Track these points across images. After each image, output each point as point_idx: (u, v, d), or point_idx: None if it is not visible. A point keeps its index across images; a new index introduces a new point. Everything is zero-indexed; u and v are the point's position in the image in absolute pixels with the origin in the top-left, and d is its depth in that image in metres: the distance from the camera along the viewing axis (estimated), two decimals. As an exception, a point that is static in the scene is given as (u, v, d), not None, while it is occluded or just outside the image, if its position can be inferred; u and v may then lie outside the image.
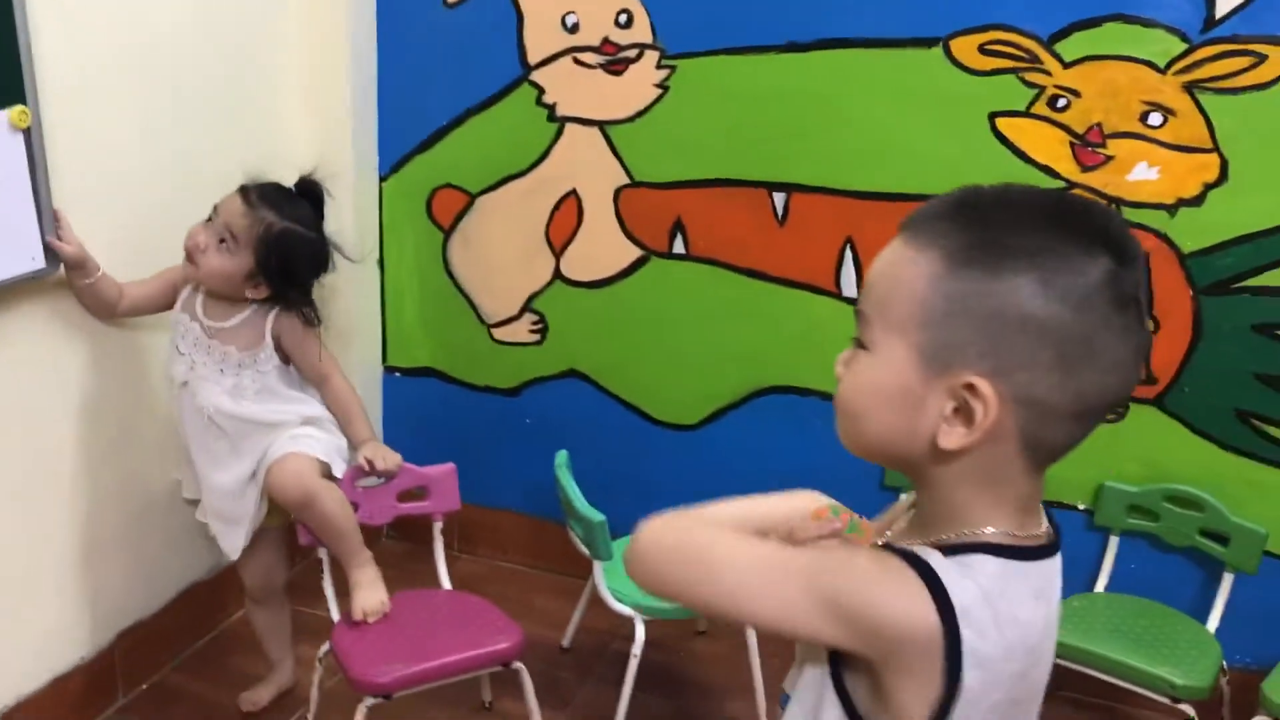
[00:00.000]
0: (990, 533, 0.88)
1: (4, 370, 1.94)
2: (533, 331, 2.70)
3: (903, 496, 1.04)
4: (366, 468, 2.10)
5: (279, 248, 1.97)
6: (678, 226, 2.51)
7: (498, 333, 2.73)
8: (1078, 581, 2.34)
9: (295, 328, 2.04)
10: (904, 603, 0.83)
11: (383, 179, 2.70)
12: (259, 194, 1.98)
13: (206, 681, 2.38)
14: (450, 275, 2.72)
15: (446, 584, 2.24)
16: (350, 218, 2.59)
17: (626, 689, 2.19)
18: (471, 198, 2.64)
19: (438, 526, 2.24)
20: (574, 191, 2.56)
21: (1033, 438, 0.86)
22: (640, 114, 2.45)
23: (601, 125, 2.49)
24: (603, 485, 2.33)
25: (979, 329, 0.83)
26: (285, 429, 2.05)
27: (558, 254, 2.61)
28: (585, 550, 2.21)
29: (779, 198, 2.40)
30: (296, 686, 2.31)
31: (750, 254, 2.46)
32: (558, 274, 2.63)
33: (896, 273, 0.88)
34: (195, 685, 2.37)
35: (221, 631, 2.53)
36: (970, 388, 0.84)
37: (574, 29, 2.44)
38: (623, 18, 2.40)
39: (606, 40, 2.42)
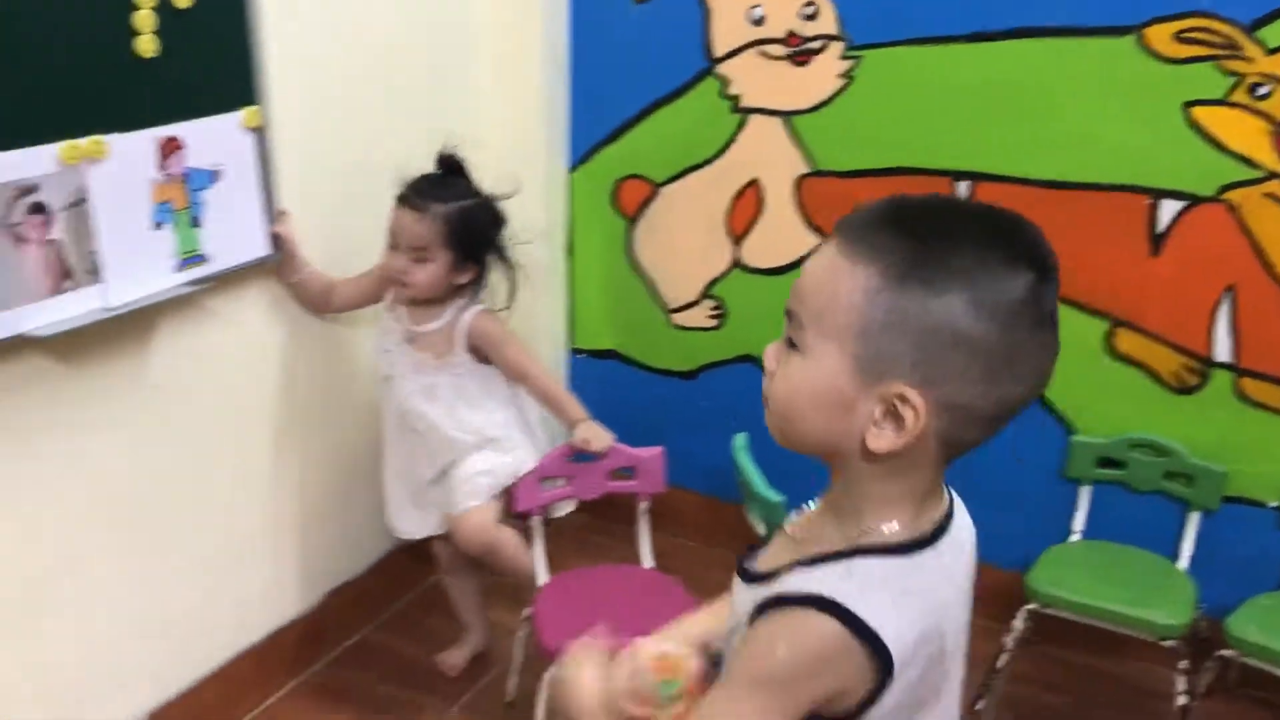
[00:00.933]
0: (891, 530, 0.94)
1: (233, 347, 2.13)
2: (711, 317, 2.77)
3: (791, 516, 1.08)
4: (581, 446, 2.19)
5: (463, 227, 2.08)
6: (857, 215, 2.53)
7: (677, 318, 2.81)
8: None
9: (490, 330, 2.14)
10: (812, 640, 0.89)
11: (571, 170, 2.81)
12: (417, 195, 2.08)
13: (406, 640, 2.55)
14: (633, 262, 2.82)
15: (648, 562, 2.30)
16: (541, 207, 2.72)
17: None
18: (655, 187, 2.73)
19: (643, 506, 2.30)
20: (755, 181, 2.61)
21: (950, 438, 0.91)
22: (823, 104, 2.48)
23: (785, 116, 2.53)
24: (776, 468, 2.37)
25: (914, 343, 0.87)
26: (466, 453, 2.16)
27: (737, 241, 2.67)
28: (762, 531, 2.28)
29: (962, 186, 2.40)
30: (491, 649, 2.45)
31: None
32: (737, 261, 2.69)
33: (833, 283, 0.90)
34: (396, 643, 2.54)
35: (419, 594, 2.70)
36: (901, 397, 0.88)
37: (760, 22, 2.49)
38: (809, 10, 2.43)
39: (792, 33, 2.46)
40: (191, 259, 1.91)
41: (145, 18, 1.75)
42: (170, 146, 1.83)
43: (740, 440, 2.35)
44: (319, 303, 2.23)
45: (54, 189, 1.67)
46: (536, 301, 2.73)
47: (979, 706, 2.32)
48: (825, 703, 0.91)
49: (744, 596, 1.00)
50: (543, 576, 2.20)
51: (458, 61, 2.58)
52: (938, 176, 2.41)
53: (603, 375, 2.94)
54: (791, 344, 0.93)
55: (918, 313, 0.86)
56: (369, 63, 2.31)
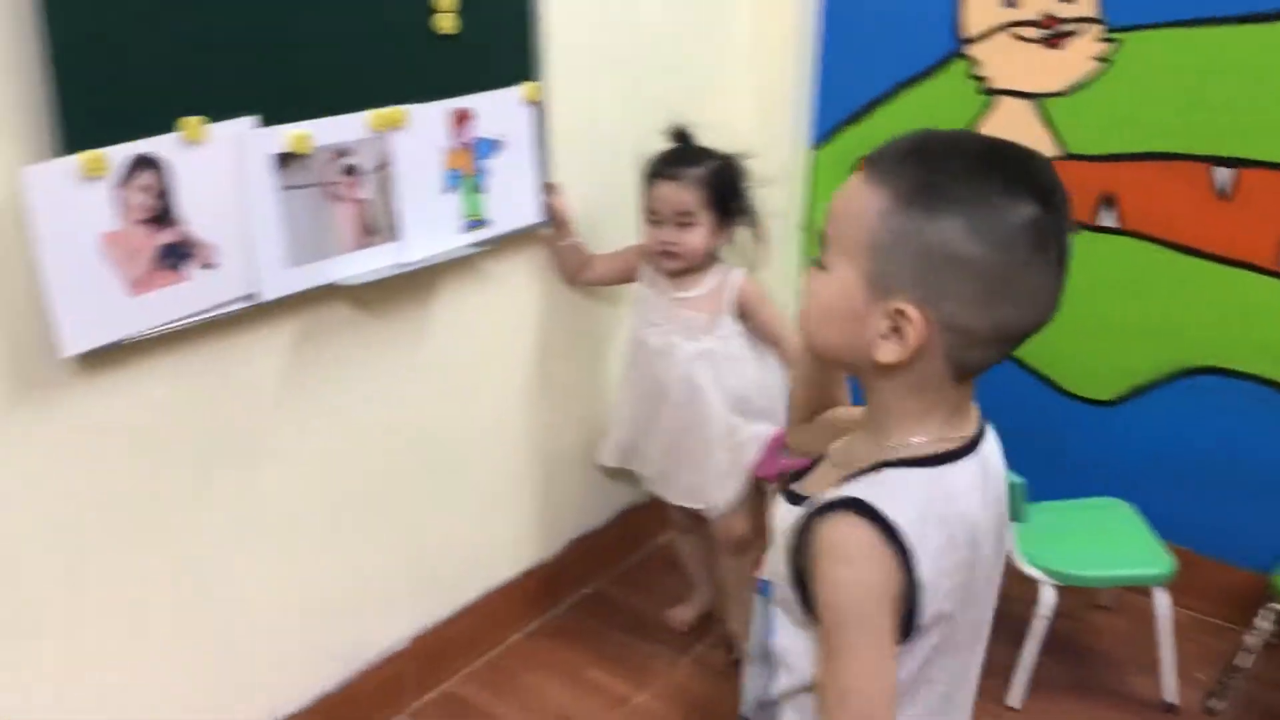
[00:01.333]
0: (918, 442, 1.02)
1: (501, 307, 2.29)
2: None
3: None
4: None
5: (722, 186, 2.16)
6: (1105, 199, 2.50)
7: (912, 298, 2.83)
8: None
9: (755, 291, 2.21)
10: (877, 564, 0.96)
11: (813, 148, 2.87)
12: (670, 166, 2.16)
13: (639, 594, 2.68)
14: (871, 241, 2.85)
15: None
16: (781, 184, 2.78)
17: (1029, 651, 2.26)
18: (897, 168, 2.75)
19: None
20: (1000, 163, 2.61)
21: (956, 358, 0.98)
22: (1077, 87, 2.46)
23: (1035, 98, 2.52)
24: (1011, 451, 2.38)
25: (914, 262, 0.95)
26: (729, 428, 2.22)
27: (979, 224, 2.67)
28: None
29: (1222, 173, 2.34)
30: (717, 608, 2.56)
31: (1183, 229, 2.41)
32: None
33: (854, 205, 0.99)
34: (629, 597, 2.68)
35: (652, 550, 2.84)
36: (901, 311, 0.96)
37: (1013, 4, 2.48)
38: (1066, -9, 2.42)
39: (1048, 15, 2.45)
40: (474, 223, 2.07)
41: (446, -3, 1.92)
42: (461, 117, 1.99)
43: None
44: (576, 272, 2.36)
45: (364, 153, 1.86)
46: (769, 278, 2.81)
47: (1213, 705, 2.27)
48: (902, 598, 0.97)
49: (786, 516, 1.08)
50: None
51: (713, 43, 2.68)
52: (1198, 161, 2.35)
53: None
54: (821, 266, 1.03)
55: (918, 234, 0.94)
56: (632, 44, 2.43)
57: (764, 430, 2.24)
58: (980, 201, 0.94)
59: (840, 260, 1.00)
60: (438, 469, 2.24)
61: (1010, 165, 0.97)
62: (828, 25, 2.77)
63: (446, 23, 1.92)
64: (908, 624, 0.99)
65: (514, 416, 2.41)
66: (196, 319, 1.68)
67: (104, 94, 1.50)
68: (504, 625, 2.50)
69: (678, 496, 2.34)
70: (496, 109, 2.06)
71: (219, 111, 1.63)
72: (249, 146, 1.68)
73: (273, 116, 1.71)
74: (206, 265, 1.66)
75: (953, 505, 1.00)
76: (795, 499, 1.10)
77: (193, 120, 1.59)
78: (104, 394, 1.65)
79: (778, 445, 2.25)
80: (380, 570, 2.20)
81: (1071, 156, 2.50)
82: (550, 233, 2.29)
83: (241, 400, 1.85)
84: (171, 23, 1.56)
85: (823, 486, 1.05)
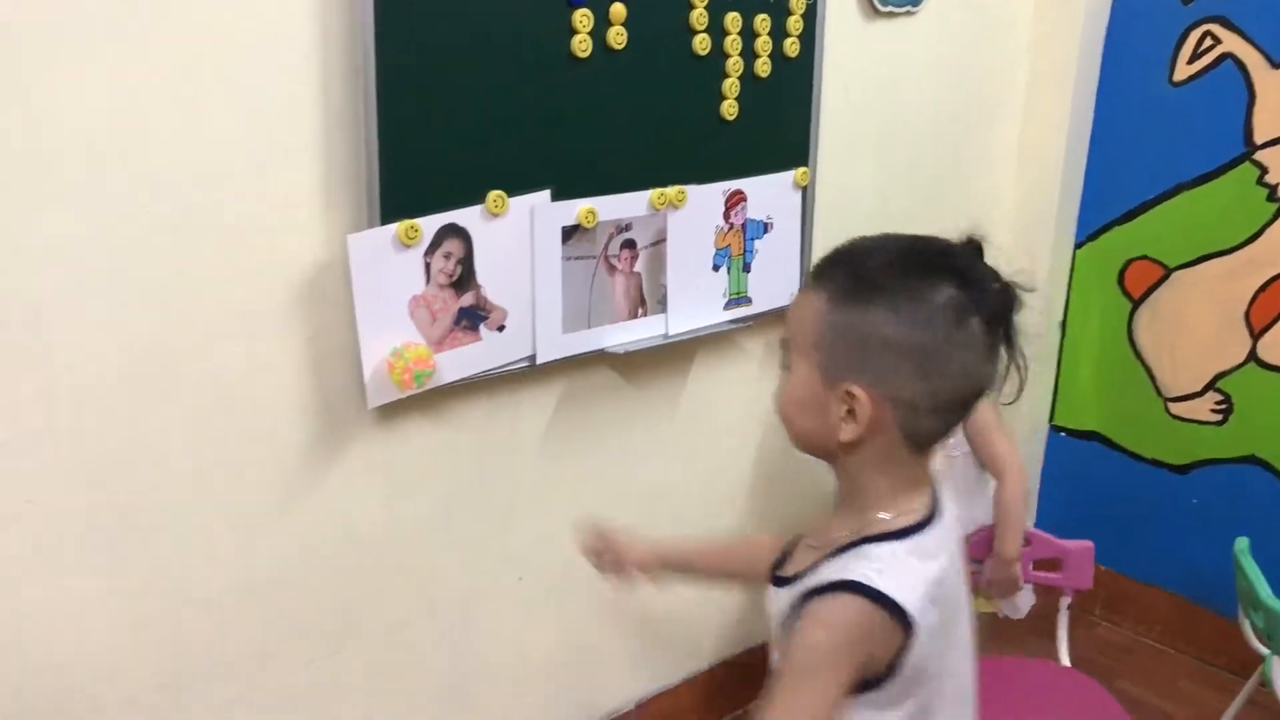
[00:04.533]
0: (888, 517, 1.13)
1: (747, 382, 2.32)
2: (1215, 411, 2.64)
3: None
4: (984, 586, 2.15)
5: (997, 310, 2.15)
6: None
7: (1175, 407, 2.70)
8: None
9: (990, 417, 2.14)
10: (851, 616, 1.06)
11: (1078, 246, 2.80)
12: None
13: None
14: (1132, 345, 2.75)
15: (1065, 661, 2.19)
16: (1043, 280, 2.73)
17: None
18: (1168, 271, 2.65)
19: (1065, 601, 2.20)
20: (1286, 274, 2.48)
21: (909, 429, 1.11)
22: (1379, 200, 2.32)
23: (1330, 209, 2.39)
24: (1276, 579, 2.23)
25: (854, 350, 1.09)
26: None
27: (1256, 336, 2.54)
28: (1259, 644, 2.14)
29: None
30: None
31: None
32: (1253, 355, 2.55)
33: (802, 310, 1.14)
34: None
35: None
36: (849, 393, 1.08)
37: (1312, 109, 2.37)
38: (1374, 99, 2.29)
39: (1350, 122, 2.33)
40: (738, 300, 2.12)
41: (731, 85, 1.99)
42: (735, 199, 2.06)
43: (1243, 544, 2.22)
44: None
45: (642, 229, 1.94)
46: (1025, 381, 2.74)
47: None
48: (862, 669, 1.08)
49: (778, 600, 1.18)
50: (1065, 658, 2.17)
51: (984, 137, 2.66)
52: None
53: (1083, 456, 2.88)
54: (786, 368, 1.16)
55: (855, 325, 1.08)
56: (900, 132, 2.45)
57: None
58: (902, 290, 1.07)
59: (799, 359, 1.14)
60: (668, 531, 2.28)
61: (928, 254, 1.10)
62: (1101, 121, 2.71)
63: (730, 109, 2.00)
64: (893, 665, 1.09)
65: (751, 492, 2.43)
66: (479, 376, 1.78)
67: (421, 169, 1.63)
68: (728, 699, 2.51)
69: None
70: (767, 192, 2.11)
71: (517, 185, 1.75)
72: (541, 218, 1.79)
73: (563, 191, 1.81)
74: (499, 328, 1.77)
75: (929, 568, 1.11)
76: (780, 581, 1.20)
77: (496, 194, 1.71)
78: (390, 439, 1.77)
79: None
80: (609, 634, 2.25)
81: (1369, 273, 2.35)
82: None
83: (505, 455, 1.95)
84: (483, 107, 1.68)
85: (803, 566, 1.16)
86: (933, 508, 1.17)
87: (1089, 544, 2.16)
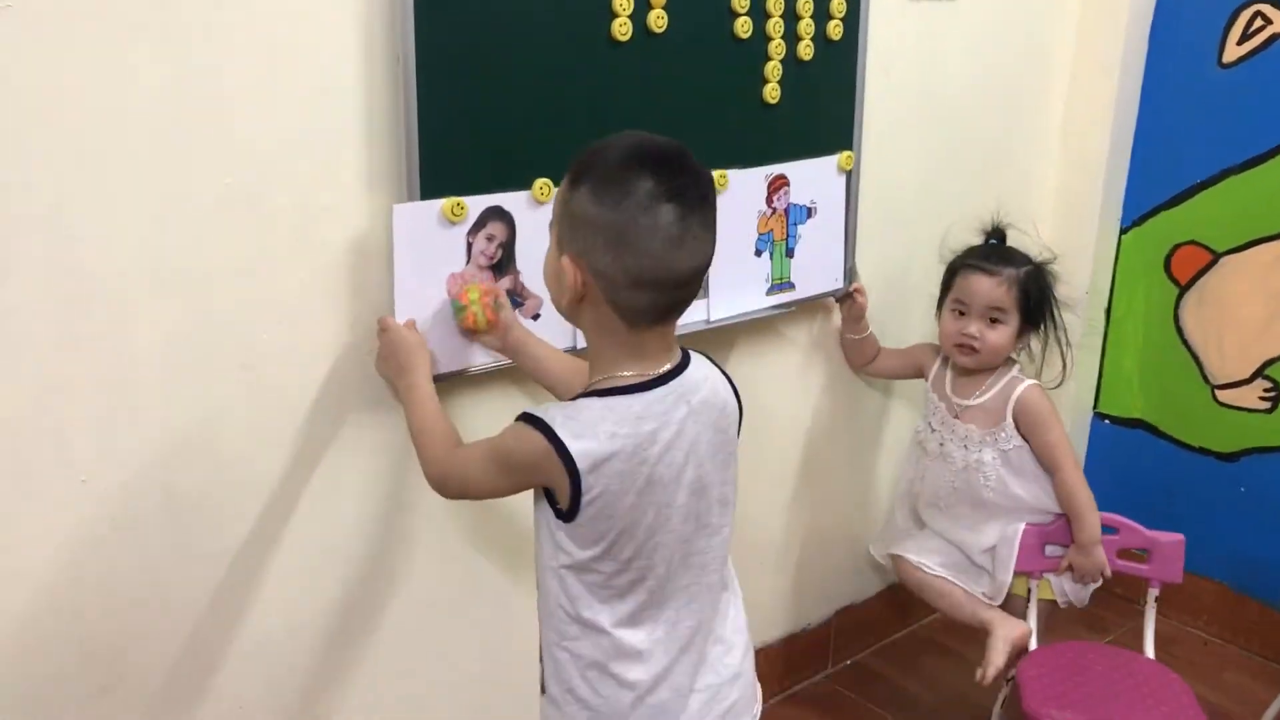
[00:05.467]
0: (623, 375, 1.30)
1: (791, 368, 2.32)
2: (1264, 398, 2.60)
3: None
4: (1073, 577, 2.19)
5: (1036, 291, 2.14)
6: None
7: (1222, 395, 2.66)
8: None
9: (1041, 407, 2.14)
10: (528, 444, 1.28)
11: (1124, 231, 2.76)
12: (988, 260, 2.15)
13: (899, 670, 2.63)
14: (1179, 331, 2.71)
15: (1150, 653, 2.16)
16: (1088, 265, 2.71)
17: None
18: (1215, 256, 2.61)
19: (1152, 594, 2.18)
20: (1337, 258, 2.44)
21: (614, 301, 1.26)
22: None
23: (1384, 192, 2.34)
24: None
25: (568, 226, 1.27)
26: (1013, 524, 2.18)
27: (1307, 322, 2.50)
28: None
29: None
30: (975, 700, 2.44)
31: None
32: (1304, 342, 2.52)
33: (556, 192, 1.32)
34: (890, 671, 2.63)
35: (915, 630, 2.78)
36: (564, 263, 1.26)
37: (1367, 91, 2.33)
38: None
39: (1407, 104, 2.28)
40: (781, 285, 2.11)
41: (774, 68, 1.97)
42: (778, 183, 2.04)
43: (1292, 533, 2.20)
44: (862, 361, 2.37)
45: (684, 213, 1.93)
46: (1070, 363, 2.71)
47: None
48: (547, 488, 1.31)
49: None
50: (1033, 643, 2.15)
51: (1027, 120, 2.64)
52: None
53: (1127, 444, 2.85)
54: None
55: (569, 204, 1.26)
56: (945, 118, 2.43)
57: (1028, 526, 2.18)
58: (606, 177, 1.23)
59: (550, 234, 1.31)
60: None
61: (641, 151, 1.25)
62: (1148, 103, 2.67)
63: (773, 93, 1.98)
64: (574, 506, 1.27)
65: (788, 479, 2.42)
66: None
67: (462, 153, 1.63)
68: (765, 685, 2.49)
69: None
70: (811, 176, 2.09)
71: (560, 171, 1.72)
72: (583, 203, 1.78)
73: (606, 175, 1.80)
74: (534, 316, 1.76)
75: (635, 425, 1.27)
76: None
77: (542, 181, 1.70)
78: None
79: (1040, 541, 2.18)
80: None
81: None
82: (842, 324, 2.33)
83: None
84: (524, 91, 1.68)
85: None
86: (670, 373, 1.32)
87: (1180, 537, 2.14)
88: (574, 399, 1.31)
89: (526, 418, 1.30)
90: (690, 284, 1.29)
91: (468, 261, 1.66)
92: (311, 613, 1.73)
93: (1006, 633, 2.12)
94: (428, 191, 1.60)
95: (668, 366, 1.32)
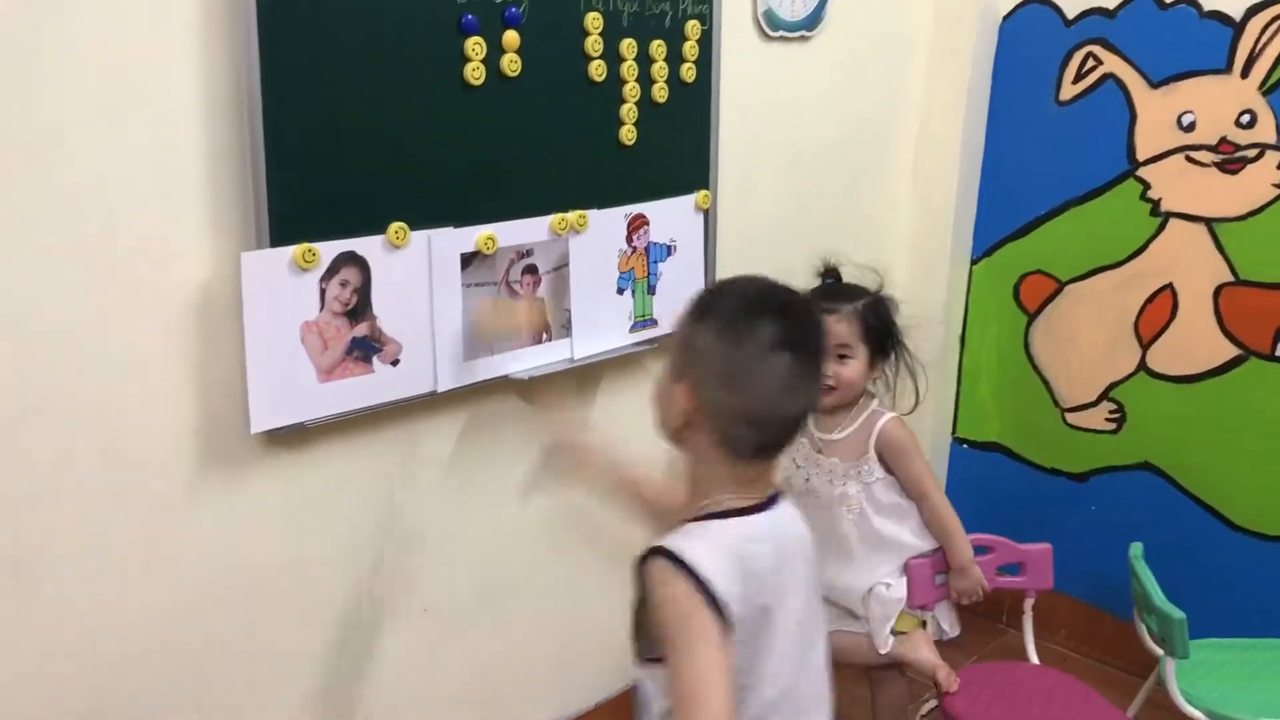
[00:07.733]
0: (720, 500, 1.32)
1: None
2: (1109, 420, 2.72)
3: None
4: (954, 598, 2.24)
5: (879, 321, 2.19)
6: (1281, 329, 2.43)
7: (1071, 417, 2.78)
8: None
9: (902, 439, 2.19)
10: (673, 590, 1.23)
11: (974, 262, 2.87)
12: (827, 299, 2.17)
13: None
14: (1029, 357, 2.82)
15: (1035, 660, 2.27)
16: (942, 296, 2.80)
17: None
18: (1060, 285, 2.74)
19: (1029, 603, 2.28)
20: (1170, 285, 2.56)
21: (721, 432, 1.30)
22: (1254, 213, 2.41)
23: (1208, 222, 2.48)
24: (1171, 583, 2.30)
25: (685, 355, 1.32)
26: (881, 574, 2.21)
27: (1145, 346, 2.62)
28: (1154, 646, 2.21)
29: None
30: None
31: (1368, 364, 2.33)
32: (1142, 365, 2.64)
33: (675, 324, 1.38)
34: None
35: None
36: (676, 391, 1.30)
37: (1190, 128, 2.46)
38: (1245, 118, 2.38)
39: (1224, 140, 2.42)
40: (643, 322, 2.14)
41: (629, 110, 2.01)
42: (637, 222, 2.07)
43: (1136, 549, 2.29)
44: None
45: (544, 254, 1.94)
46: (924, 388, 2.80)
47: None
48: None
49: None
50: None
51: (881, 156, 2.73)
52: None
53: (984, 467, 2.95)
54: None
55: (690, 338, 1.32)
56: (800, 158, 2.49)
57: (911, 562, 2.23)
58: (731, 316, 1.29)
59: (666, 360, 1.37)
60: (584, 562, 2.28)
61: (765, 294, 1.32)
62: (992, 142, 2.79)
63: (629, 135, 2.01)
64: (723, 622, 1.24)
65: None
66: (373, 409, 1.76)
67: (313, 197, 1.62)
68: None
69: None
70: (670, 215, 2.13)
71: (418, 215, 1.74)
72: (439, 245, 1.78)
73: (464, 218, 1.81)
74: (393, 362, 1.75)
75: (746, 545, 1.29)
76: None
77: (398, 225, 1.70)
78: (281, 471, 1.75)
79: (931, 572, 2.23)
80: (517, 663, 2.23)
81: (1244, 283, 2.45)
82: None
83: (407, 484, 1.93)
84: (376, 136, 1.68)
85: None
86: (766, 502, 1.35)
87: (1047, 546, 2.28)
88: (681, 524, 1.32)
89: (652, 552, 1.28)
90: (796, 427, 1.34)
91: (321, 309, 1.64)
92: (175, 669, 1.68)
93: (916, 642, 2.19)
94: (278, 238, 1.58)
95: (766, 495, 1.36)
